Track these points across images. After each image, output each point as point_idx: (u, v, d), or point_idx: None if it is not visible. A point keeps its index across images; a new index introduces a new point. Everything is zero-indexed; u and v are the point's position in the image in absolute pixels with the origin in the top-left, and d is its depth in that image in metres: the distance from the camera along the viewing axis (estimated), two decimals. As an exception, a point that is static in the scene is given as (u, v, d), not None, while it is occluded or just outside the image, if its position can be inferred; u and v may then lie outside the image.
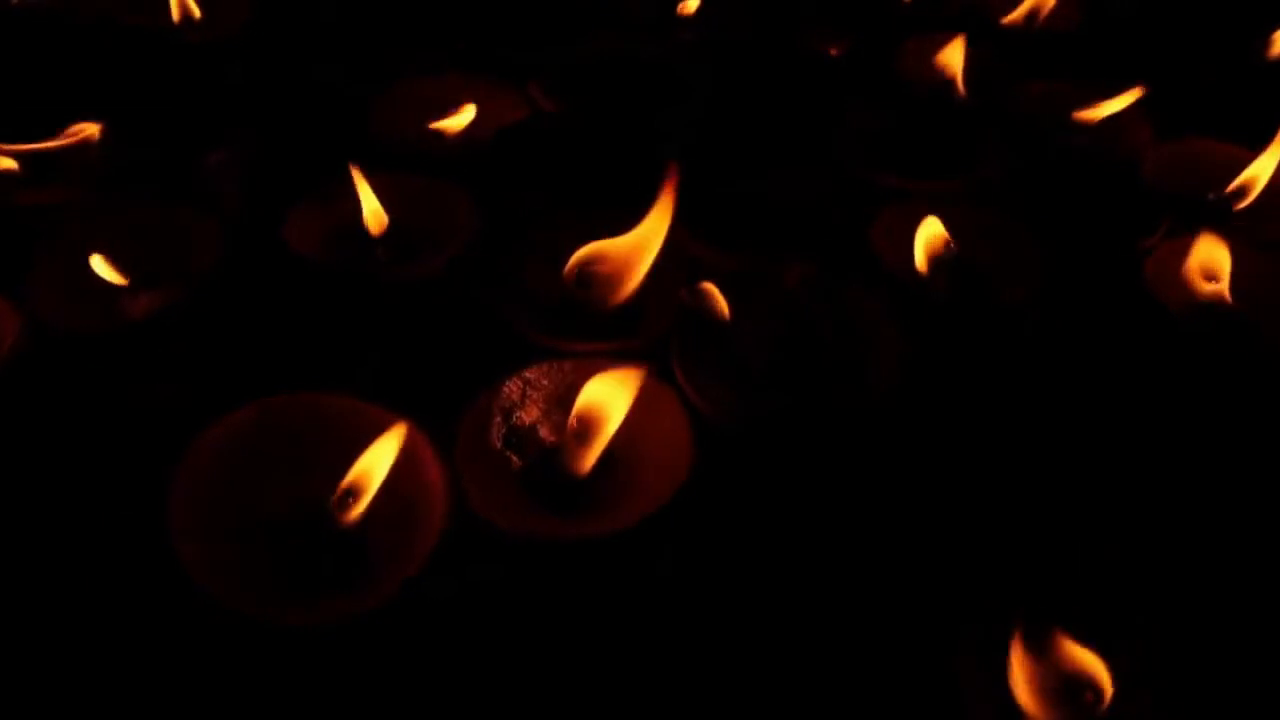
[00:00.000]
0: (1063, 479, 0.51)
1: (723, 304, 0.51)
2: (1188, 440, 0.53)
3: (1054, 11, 0.81)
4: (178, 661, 0.41)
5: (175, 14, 0.73)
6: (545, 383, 0.49)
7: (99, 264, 0.53)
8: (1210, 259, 0.59)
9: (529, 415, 0.48)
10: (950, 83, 0.73)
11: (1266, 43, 0.76)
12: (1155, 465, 0.52)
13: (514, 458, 0.47)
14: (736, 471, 0.47)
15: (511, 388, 0.48)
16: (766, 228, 0.60)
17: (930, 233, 0.59)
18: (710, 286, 0.51)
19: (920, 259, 0.57)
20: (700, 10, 0.78)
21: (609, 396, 0.44)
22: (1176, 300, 0.58)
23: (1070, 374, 0.55)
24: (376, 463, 0.43)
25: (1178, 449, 0.53)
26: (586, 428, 0.45)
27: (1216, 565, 0.49)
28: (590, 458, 0.45)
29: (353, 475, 0.43)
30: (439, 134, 0.66)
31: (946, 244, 0.58)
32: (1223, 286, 0.58)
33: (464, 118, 0.66)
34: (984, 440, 0.51)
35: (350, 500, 0.43)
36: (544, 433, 0.48)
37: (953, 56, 0.73)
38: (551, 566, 0.44)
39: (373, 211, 0.57)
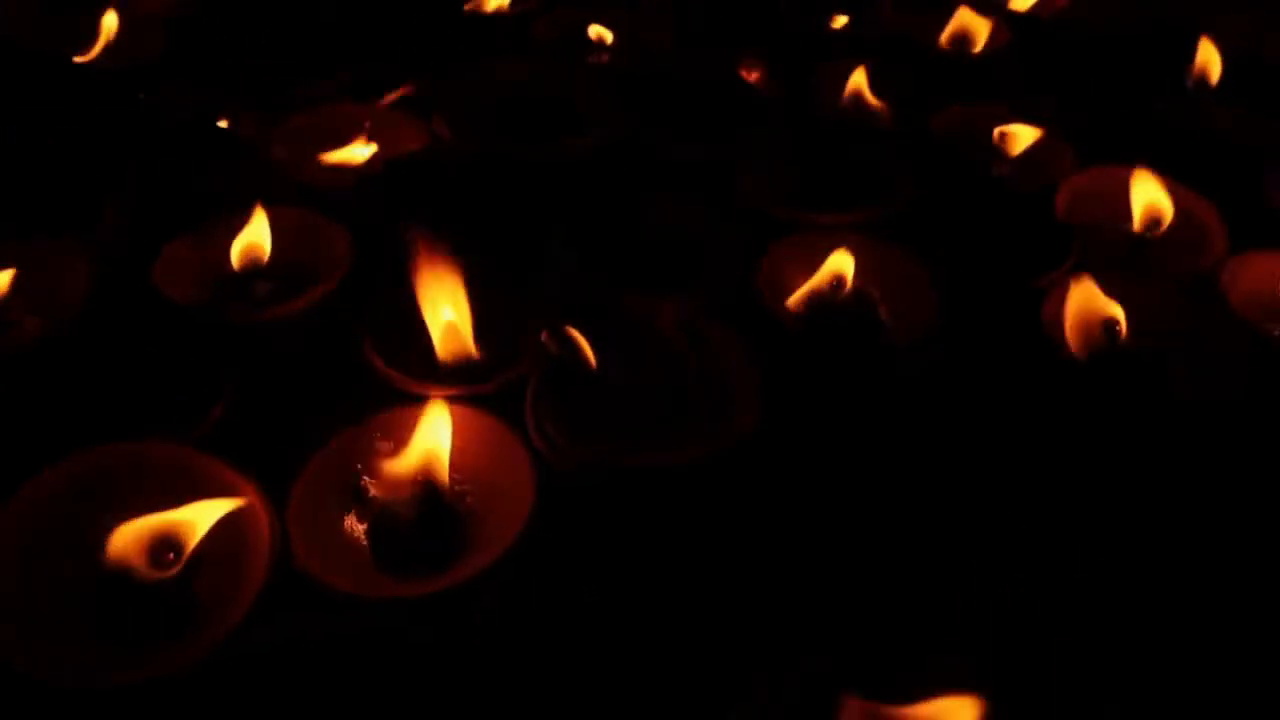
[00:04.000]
0: (932, 529, 0.49)
1: (587, 349, 0.50)
2: (1075, 484, 0.52)
3: (984, 36, 0.79)
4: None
5: (99, 44, 0.73)
6: (388, 431, 0.47)
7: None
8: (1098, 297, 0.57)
9: (368, 466, 0.47)
10: (865, 109, 0.72)
11: (1195, 70, 0.74)
12: (1041, 511, 0.51)
13: (354, 510, 0.46)
14: (580, 524, 0.46)
15: (353, 437, 0.47)
16: (653, 263, 0.59)
17: (827, 269, 0.57)
18: (574, 331, 0.50)
19: (801, 298, 0.56)
20: (616, 37, 0.77)
21: (431, 444, 0.43)
22: (1075, 340, 0.56)
23: (953, 417, 0.53)
24: (199, 518, 0.42)
25: (1065, 493, 0.51)
26: (419, 477, 0.44)
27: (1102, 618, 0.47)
28: (419, 508, 0.44)
29: (169, 529, 0.41)
30: (335, 166, 0.65)
31: (837, 281, 0.57)
32: (1119, 326, 0.57)
33: (361, 150, 0.65)
34: (847, 490, 0.49)
35: (167, 556, 0.41)
36: (382, 483, 0.46)
37: (866, 81, 0.71)
38: (381, 620, 0.43)
39: (248, 248, 0.56)
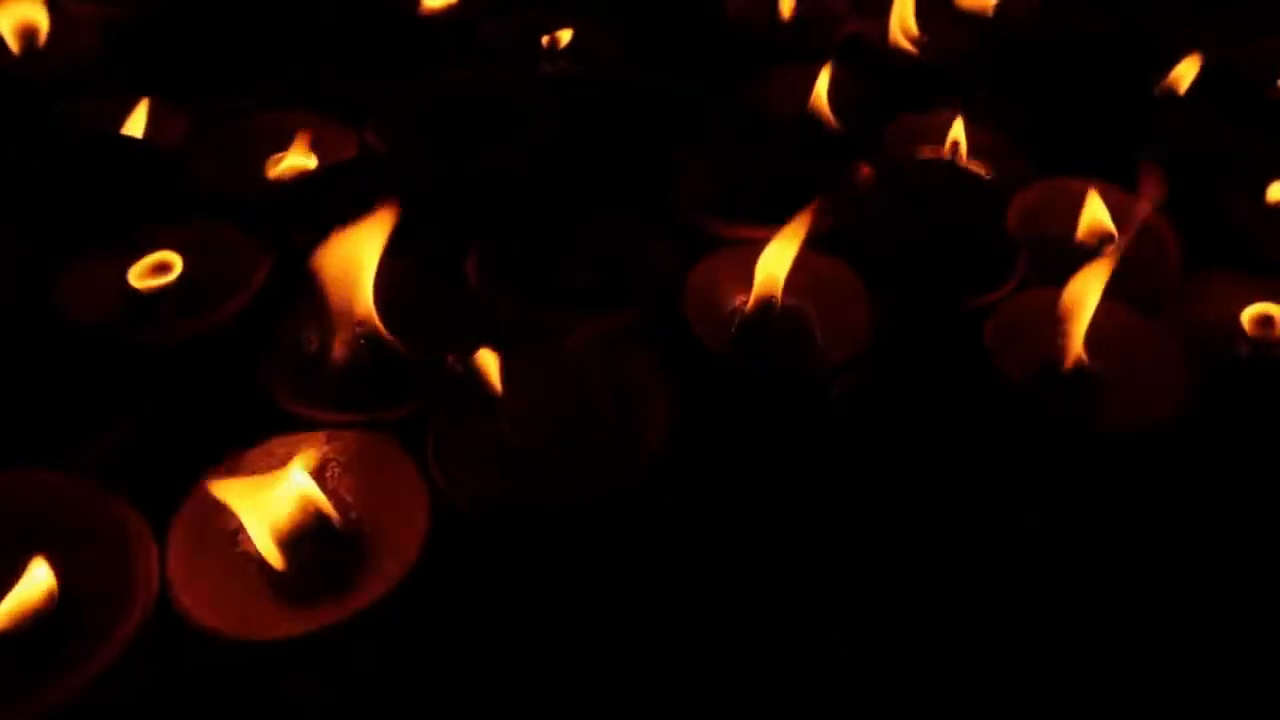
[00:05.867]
0: (852, 569, 0.47)
1: (494, 375, 0.48)
2: (1009, 515, 0.49)
3: (943, 41, 0.77)
4: None
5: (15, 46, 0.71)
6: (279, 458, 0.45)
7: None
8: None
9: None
10: (819, 116, 0.70)
11: (1163, 78, 0.71)
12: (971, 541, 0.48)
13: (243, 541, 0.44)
14: (474, 562, 0.44)
15: (238, 465, 0.45)
16: (577, 278, 0.56)
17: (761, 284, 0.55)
18: (483, 356, 0.48)
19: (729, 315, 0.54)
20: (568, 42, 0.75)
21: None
22: (1016, 365, 0.53)
23: (882, 444, 0.51)
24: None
25: (998, 524, 0.49)
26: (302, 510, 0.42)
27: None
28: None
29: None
30: (260, 178, 0.63)
31: (769, 300, 0.54)
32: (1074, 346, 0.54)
33: (291, 161, 0.63)
34: (763, 525, 0.47)
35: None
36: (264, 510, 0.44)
37: (825, 86, 0.69)
38: (263, 659, 0.41)
39: (155, 265, 0.54)
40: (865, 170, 0.66)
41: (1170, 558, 0.49)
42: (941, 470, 0.50)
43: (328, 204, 0.60)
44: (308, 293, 0.51)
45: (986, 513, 0.50)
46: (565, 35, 0.76)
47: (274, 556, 0.42)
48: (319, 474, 0.44)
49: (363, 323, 0.51)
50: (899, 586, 0.47)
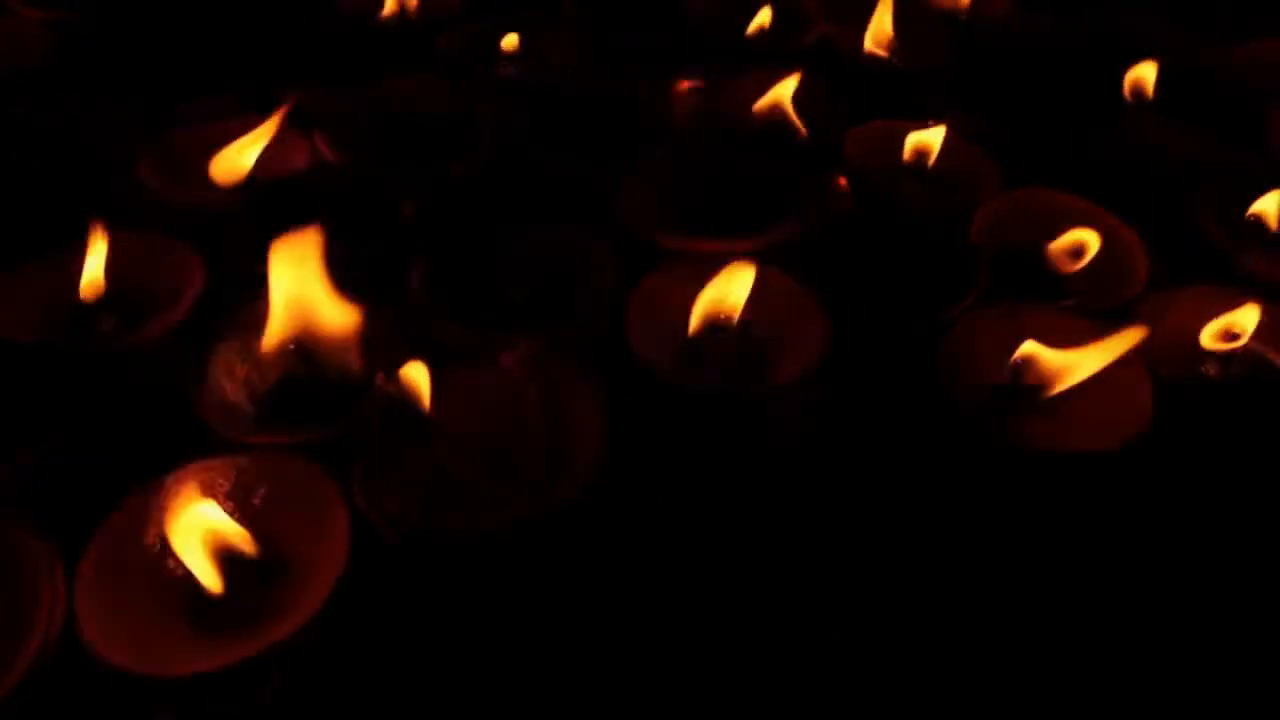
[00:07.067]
0: (797, 599, 0.45)
1: (424, 393, 0.46)
2: (959, 543, 0.48)
3: (915, 45, 0.75)
4: None
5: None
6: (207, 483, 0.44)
7: None
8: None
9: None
10: (782, 123, 0.68)
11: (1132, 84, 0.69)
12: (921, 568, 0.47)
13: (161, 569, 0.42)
14: (401, 586, 0.42)
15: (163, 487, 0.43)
16: (519, 294, 0.55)
17: (710, 301, 0.53)
18: (413, 372, 0.46)
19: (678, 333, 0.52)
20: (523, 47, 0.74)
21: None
22: (970, 384, 0.52)
23: (827, 467, 0.50)
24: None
25: (949, 554, 0.48)
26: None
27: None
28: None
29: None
30: (213, 180, 0.61)
31: (718, 316, 0.53)
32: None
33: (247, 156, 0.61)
34: (703, 555, 0.46)
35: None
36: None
37: (783, 93, 0.67)
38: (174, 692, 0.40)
39: (90, 278, 0.53)
40: (842, 182, 0.64)
41: (1144, 570, 0.48)
42: (899, 497, 0.49)
43: (269, 217, 0.59)
44: (240, 308, 0.50)
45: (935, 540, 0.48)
46: (512, 41, 0.74)
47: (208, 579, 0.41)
48: (238, 499, 0.43)
49: (298, 340, 0.49)
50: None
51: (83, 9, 0.73)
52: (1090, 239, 0.57)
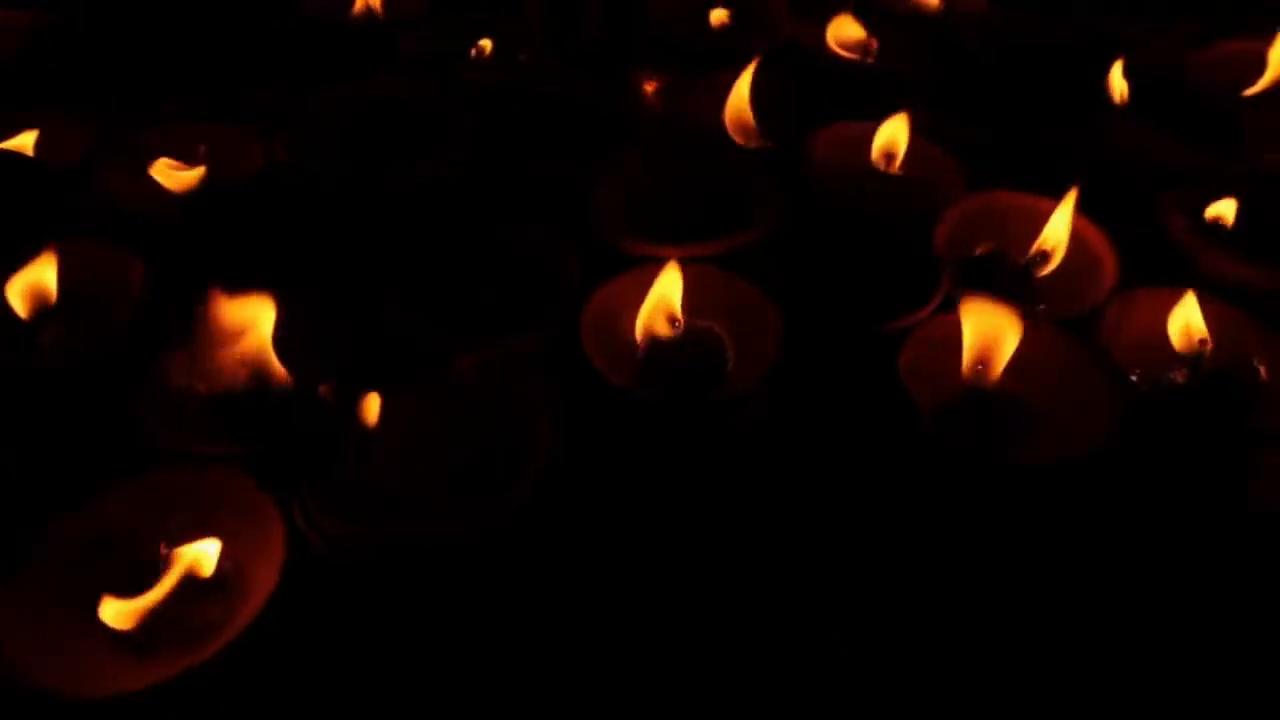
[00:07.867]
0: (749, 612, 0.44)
1: (370, 404, 0.45)
2: (921, 552, 0.47)
3: (884, 46, 0.74)
4: None
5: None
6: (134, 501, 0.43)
7: None
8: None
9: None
10: (748, 125, 0.67)
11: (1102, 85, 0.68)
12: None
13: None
14: (339, 602, 0.41)
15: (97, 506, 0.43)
16: (479, 300, 0.54)
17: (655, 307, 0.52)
18: (360, 385, 0.45)
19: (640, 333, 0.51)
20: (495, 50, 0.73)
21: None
22: (930, 391, 0.51)
23: (786, 475, 0.49)
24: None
25: (908, 565, 0.47)
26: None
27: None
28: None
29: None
30: (158, 188, 0.60)
31: (672, 322, 0.52)
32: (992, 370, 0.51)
33: (189, 175, 0.60)
34: (653, 571, 0.45)
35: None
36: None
37: (740, 91, 0.66)
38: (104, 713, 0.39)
39: (30, 289, 0.52)
40: None
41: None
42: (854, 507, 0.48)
43: (229, 219, 0.58)
44: (185, 318, 0.49)
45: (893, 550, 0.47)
46: (487, 45, 0.73)
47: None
48: (170, 513, 0.42)
49: (246, 351, 0.48)
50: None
51: (50, 9, 0.72)
52: (1059, 241, 0.56)
